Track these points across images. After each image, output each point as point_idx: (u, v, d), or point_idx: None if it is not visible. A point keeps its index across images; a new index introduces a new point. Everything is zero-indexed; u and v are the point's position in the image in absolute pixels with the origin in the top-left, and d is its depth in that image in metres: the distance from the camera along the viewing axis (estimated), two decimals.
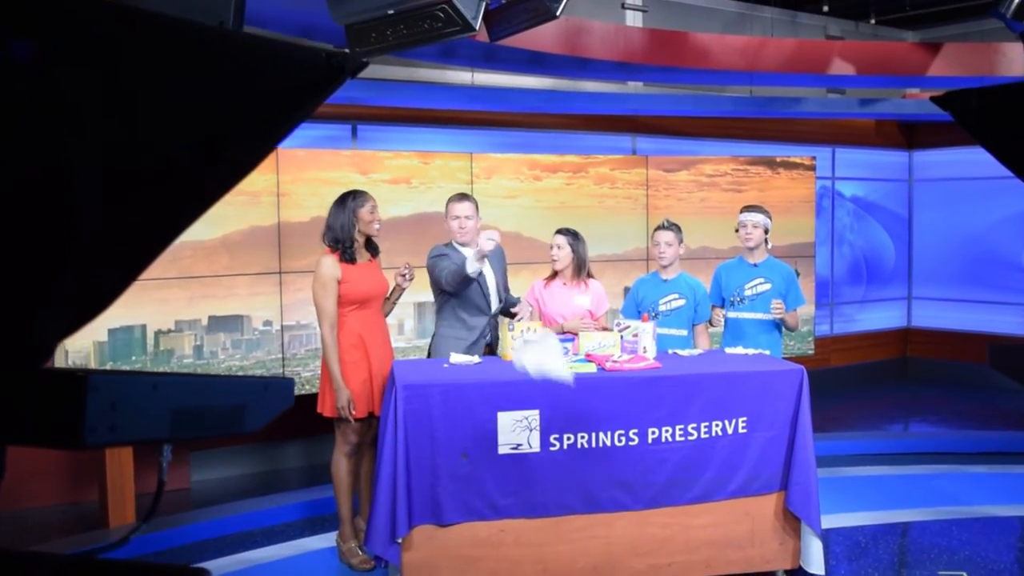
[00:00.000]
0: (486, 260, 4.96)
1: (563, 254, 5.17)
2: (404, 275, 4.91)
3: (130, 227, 0.88)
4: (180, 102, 0.89)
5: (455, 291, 4.90)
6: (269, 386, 1.08)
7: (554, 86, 7.81)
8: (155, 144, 0.88)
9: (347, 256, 4.73)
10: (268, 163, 5.93)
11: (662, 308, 5.29)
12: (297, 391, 5.90)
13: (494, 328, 5.15)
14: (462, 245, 5.02)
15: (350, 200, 4.76)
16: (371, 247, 4.92)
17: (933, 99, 1.59)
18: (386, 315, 5.01)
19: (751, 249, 5.35)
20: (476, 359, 4.78)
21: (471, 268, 4.75)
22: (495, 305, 5.10)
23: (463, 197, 5.12)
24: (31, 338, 0.81)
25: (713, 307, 5.42)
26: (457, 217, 4.99)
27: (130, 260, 0.88)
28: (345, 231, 4.72)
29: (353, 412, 4.70)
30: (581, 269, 5.22)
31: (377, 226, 4.82)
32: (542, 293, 5.25)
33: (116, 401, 0.84)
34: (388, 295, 4.96)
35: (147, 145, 0.88)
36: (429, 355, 5.18)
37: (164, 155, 0.90)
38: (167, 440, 0.93)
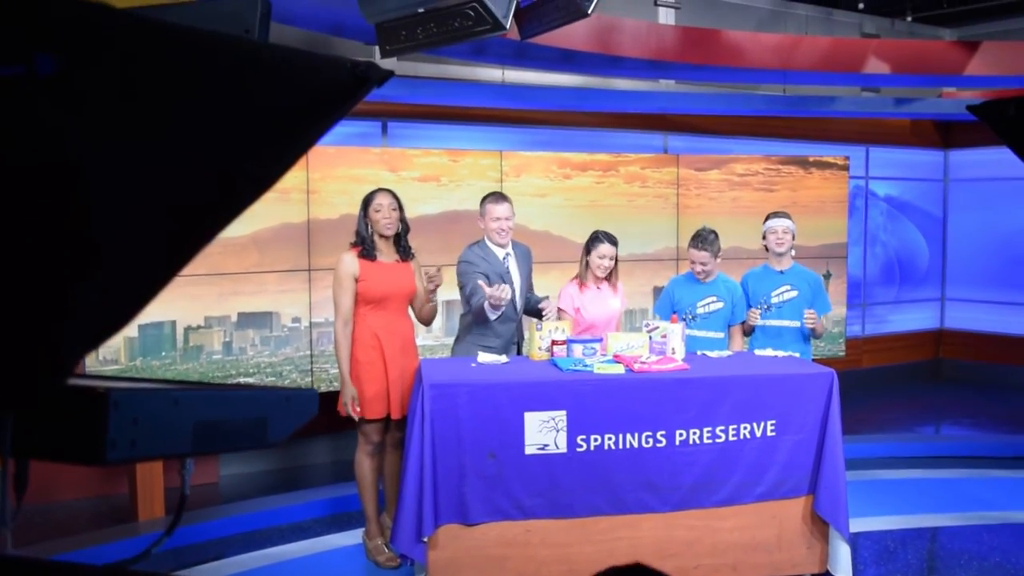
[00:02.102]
0: (512, 258, 4.97)
1: (610, 264, 5.14)
2: (431, 284, 4.80)
3: (153, 240, 0.87)
4: (204, 113, 0.89)
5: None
6: (292, 398, 1.07)
7: (585, 84, 7.78)
8: (179, 156, 0.88)
9: (366, 254, 4.75)
10: (299, 160, 5.95)
11: (700, 311, 5.25)
12: (325, 388, 5.94)
13: (520, 329, 5.15)
14: (499, 246, 5.02)
15: (364, 202, 4.85)
16: (401, 247, 4.89)
17: (969, 108, 1.57)
18: (427, 318, 5.03)
19: (779, 256, 5.29)
20: (504, 359, 4.77)
21: (492, 316, 4.83)
22: (519, 308, 5.09)
23: (501, 198, 5.09)
24: (52, 353, 0.80)
25: (750, 309, 5.35)
26: (498, 219, 4.97)
27: (153, 273, 0.88)
28: (363, 230, 4.79)
29: (357, 410, 4.71)
30: (613, 273, 5.21)
31: (388, 224, 4.78)
32: (579, 297, 5.21)
33: (137, 417, 0.84)
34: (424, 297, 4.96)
35: (171, 157, 0.88)
36: (454, 354, 5.18)
37: (188, 167, 0.89)
38: (189, 454, 0.93)
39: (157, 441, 0.87)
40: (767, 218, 5.38)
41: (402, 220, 4.87)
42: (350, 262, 4.75)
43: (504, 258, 5.02)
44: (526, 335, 5.02)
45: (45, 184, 0.79)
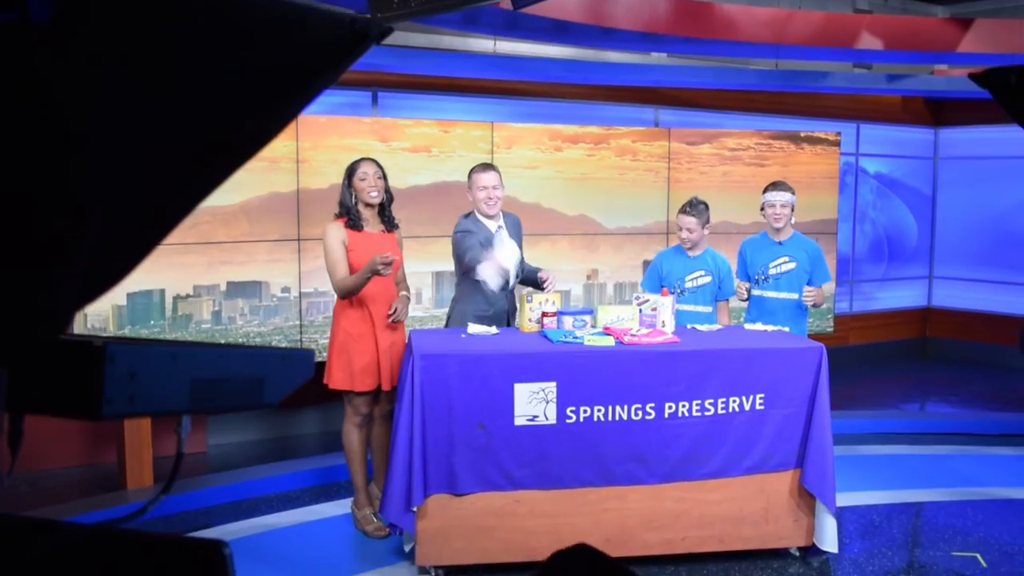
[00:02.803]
0: (503, 231, 4.95)
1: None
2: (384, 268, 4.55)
3: (148, 195, 0.86)
4: (201, 68, 0.87)
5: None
6: (288, 357, 1.06)
7: (577, 56, 7.74)
8: (174, 111, 0.87)
9: (352, 224, 4.76)
10: (288, 129, 5.89)
11: (688, 285, 5.25)
12: (316, 358, 5.92)
13: (511, 300, 5.14)
14: (487, 217, 4.97)
15: (347, 171, 4.83)
16: (386, 218, 4.88)
17: (971, 76, 1.56)
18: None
19: (777, 228, 5.28)
20: (494, 330, 4.76)
21: (494, 285, 4.79)
22: (512, 279, 5.07)
23: (488, 167, 5.04)
24: (48, 307, 0.79)
25: (739, 281, 5.36)
26: (484, 188, 4.92)
27: (148, 229, 0.87)
28: (347, 200, 4.80)
29: (388, 261, 4.52)
30: None
31: (374, 194, 4.78)
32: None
33: (135, 371, 0.83)
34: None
35: (167, 112, 0.86)
36: (447, 325, 5.18)
37: (184, 122, 0.88)
38: (186, 411, 0.92)
39: (154, 397, 0.86)
40: (766, 189, 5.33)
41: (386, 190, 4.86)
42: (337, 230, 4.76)
43: (496, 231, 4.94)
44: (518, 307, 5.00)
45: (38, 135, 0.77)
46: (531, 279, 5.12)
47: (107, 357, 0.80)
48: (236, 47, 0.89)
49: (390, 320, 4.77)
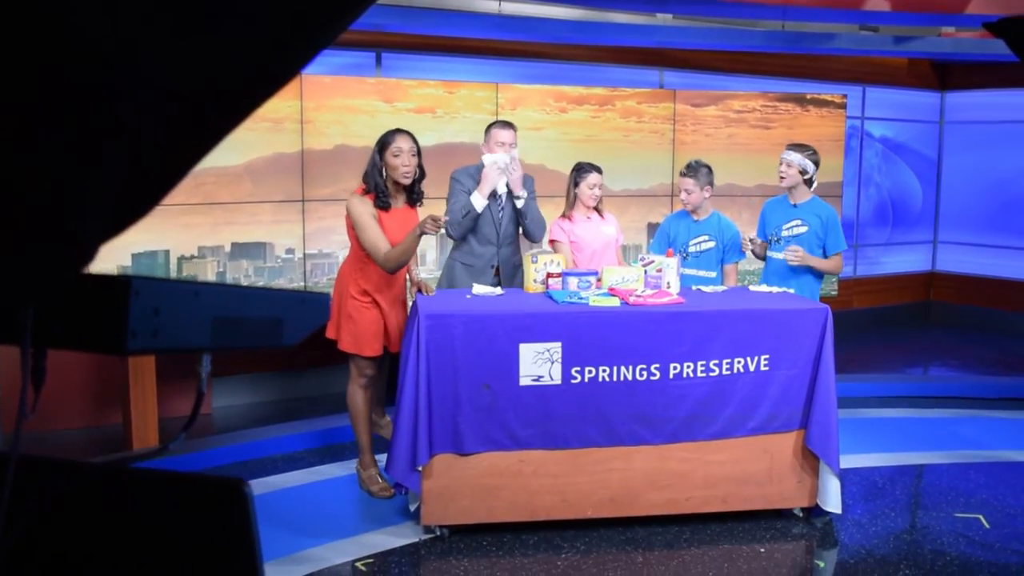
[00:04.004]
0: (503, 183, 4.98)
1: (600, 193, 5.19)
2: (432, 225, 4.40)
3: (176, 127, 0.85)
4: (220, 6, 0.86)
5: (460, 235, 4.94)
6: (306, 300, 1.06)
7: (583, 16, 7.68)
8: (198, 44, 0.85)
9: (381, 203, 4.55)
10: (292, 89, 5.88)
11: (692, 249, 5.25)
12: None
13: (508, 261, 5.14)
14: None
15: (378, 144, 4.59)
16: (412, 193, 4.70)
17: (985, 25, 1.54)
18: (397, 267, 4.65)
19: (789, 189, 5.26)
20: (499, 290, 4.77)
21: (479, 204, 4.83)
22: (501, 234, 5.06)
23: (507, 124, 5.09)
24: (72, 239, 0.79)
25: (754, 240, 5.31)
26: (502, 144, 4.95)
27: (173, 161, 0.86)
28: (375, 177, 4.55)
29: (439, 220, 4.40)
30: (600, 202, 5.27)
31: (407, 173, 4.54)
32: (571, 228, 5.22)
33: (159, 307, 0.83)
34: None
35: (190, 44, 0.85)
36: (441, 279, 5.23)
37: (209, 55, 0.87)
38: (207, 349, 0.92)
39: (177, 333, 0.85)
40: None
41: (419, 166, 4.63)
42: (367, 204, 4.51)
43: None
44: (524, 267, 5.00)
45: (67, 54, 0.76)
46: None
47: (132, 291, 0.80)
48: None
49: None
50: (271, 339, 1.00)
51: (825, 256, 5.20)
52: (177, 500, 0.92)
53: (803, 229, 5.20)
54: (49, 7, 0.69)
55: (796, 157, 5.19)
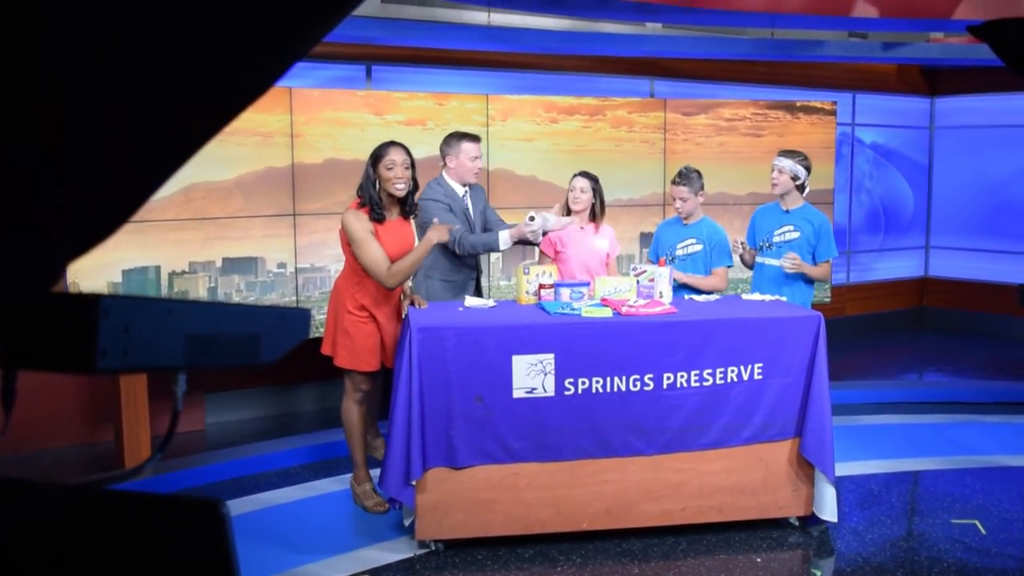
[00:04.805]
0: (468, 196, 5.12)
1: (585, 198, 5.17)
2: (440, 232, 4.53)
3: (141, 145, 0.84)
4: (186, 20, 0.84)
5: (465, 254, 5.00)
6: (286, 316, 1.04)
7: (572, 27, 7.68)
8: (173, 52, 0.84)
9: (375, 215, 4.53)
10: (282, 103, 5.87)
11: (679, 252, 5.26)
12: (314, 334, 5.91)
13: (478, 265, 5.29)
14: (465, 185, 5.10)
15: (372, 157, 4.57)
16: (407, 206, 4.67)
17: (970, 29, 1.54)
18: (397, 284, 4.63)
19: (781, 196, 5.27)
20: (491, 302, 4.76)
21: (503, 244, 4.94)
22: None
23: (477, 138, 5.15)
24: (39, 259, 0.77)
25: (744, 245, 5.34)
26: (475, 158, 5.05)
27: (140, 181, 0.85)
28: (368, 190, 4.53)
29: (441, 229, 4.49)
30: (600, 214, 5.23)
31: (400, 186, 4.51)
32: (559, 236, 5.23)
33: (129, 325, 0.81)
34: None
35: (164, 54, 0.84)
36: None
37: (182, 63, 0.85)
38: (181, 368, 0.90)
39: (149, 352, 0.84)
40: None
41: (413, 178, 4.61)
42: (363, 220, 4.49)
43: (464, 196, 5.10)
44: (516, 279, 5.02)
45: (39, 74, 0.75)
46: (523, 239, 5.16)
47: (101, 310, 0.79)
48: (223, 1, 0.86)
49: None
50: (249, 356, 0.99)
51: (814, 262, 5.21)
52: (153, 522, 0.90)
53: (795, 235, 5.21)
54: (15, 31, 0.67)
55: (788, 163, 5.20)
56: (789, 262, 5.09)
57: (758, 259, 5.34)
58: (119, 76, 0.79)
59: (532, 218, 4.88)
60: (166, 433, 0.95)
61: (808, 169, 5.23)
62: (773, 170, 5.25)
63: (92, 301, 0.78)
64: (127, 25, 0.75)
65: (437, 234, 4.45)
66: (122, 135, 0.79)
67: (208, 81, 0.85)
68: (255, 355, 1.00)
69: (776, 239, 5.23)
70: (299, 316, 1.07)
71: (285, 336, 1.04)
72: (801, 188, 5.23)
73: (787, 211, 5.26)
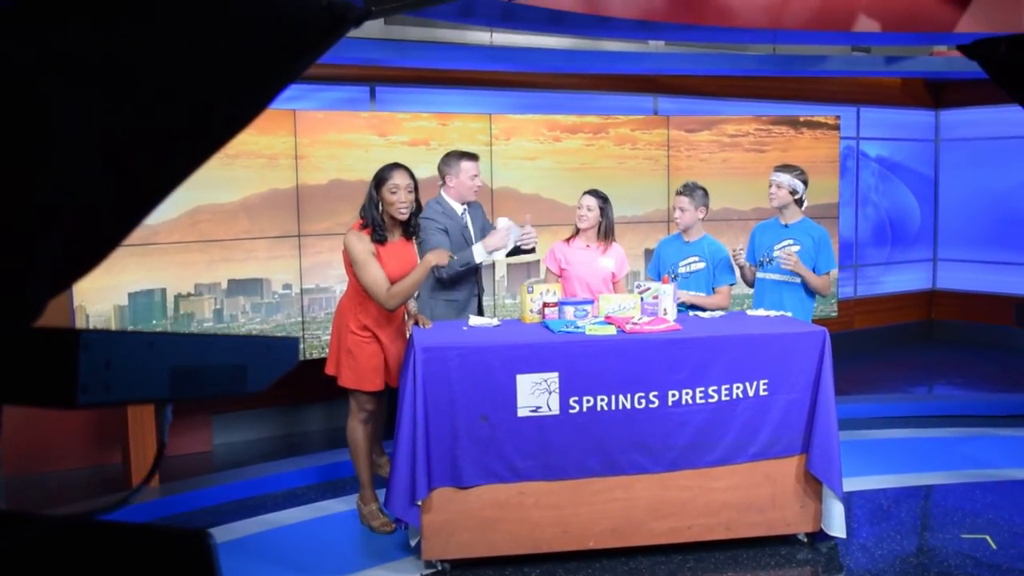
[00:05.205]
0: (467, 214, 5.16)
1: (592, 216, 5.16)
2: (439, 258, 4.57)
3: (120, 182, 0.84)
4: (172, 52, 0.86)
5: (451, 279, 5.02)
6: (272, 346, 1.05)
7: (574, 46, 7.71)
8: (146, 96, 0.85)
9: (377, 237, 4.54)
10: (286, 125, 5.90)
11: (682, 270, 5.25)
12: (317, 354, 5.93)
13: (480, 282, 5.31)
14: (465, 203, 5.14)
15: (375, 179, 4.58)
16: (409, 227, 4.68)
17: (959, 47, 1.54)
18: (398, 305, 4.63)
19: (780, 210, 5.26)
20: (495, 321, 4.76)
21: (479, 257, 4.90)
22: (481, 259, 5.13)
23: (476, 156, 5.20)
24: (19, 295, 0.78)
25: (745, 261, 5.33)
26: (475, 176, 5.09)
27: (120, 217, 0.85)
28: (371, 212, 4.54)
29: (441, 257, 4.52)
30: (608, 233, 5.21)
31: (404, 210, 4.53)
32: (565, 254, 5.24)
33: (110, 359, 0.82)
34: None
35: (138, 97, 0.85)
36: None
37: (156, 107, 0.86)
38: (166, 400, 0.91)
39: (132, 385, 0.84)
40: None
41: (416, 200, 4.63)
42: (365, 241, 4.50)
43: (463, 214, 5.15)
44: (519, 297, 5.03)
45: (10, 121, 0.76)
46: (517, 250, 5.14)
47: (81, 345, 0.79)
48: (210, 32, 0.88)
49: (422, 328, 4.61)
50: (235, 386, 0.99)
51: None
52: (139, 553, 0.91)
53: (796, 248, 5.19)
54: None
55: (785, 178, 5.19)
56: (785, 257, 5.08)
57: (759, 275, 5.33)
58: (93, 118, 0.80)
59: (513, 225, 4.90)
60: (152, 465, 0.96)
61: (805, 183, 5.23)
62: (771, 185, 5.24)
63: (72, 336, 0.79)
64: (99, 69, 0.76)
65: (436, 257, 4.46)
66: (97, 177, 0.80)
67: (181, 125, 0.86)
68: (242, 385, 1.00)
69: (776, 253, 5.22)
70: (286, 346, 1.07)
71: (272, 366, 1.05)
72: (800, 202, 5.23)
73: (786, 225, 5.26)
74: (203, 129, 0.92)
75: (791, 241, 5.21)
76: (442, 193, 5.13)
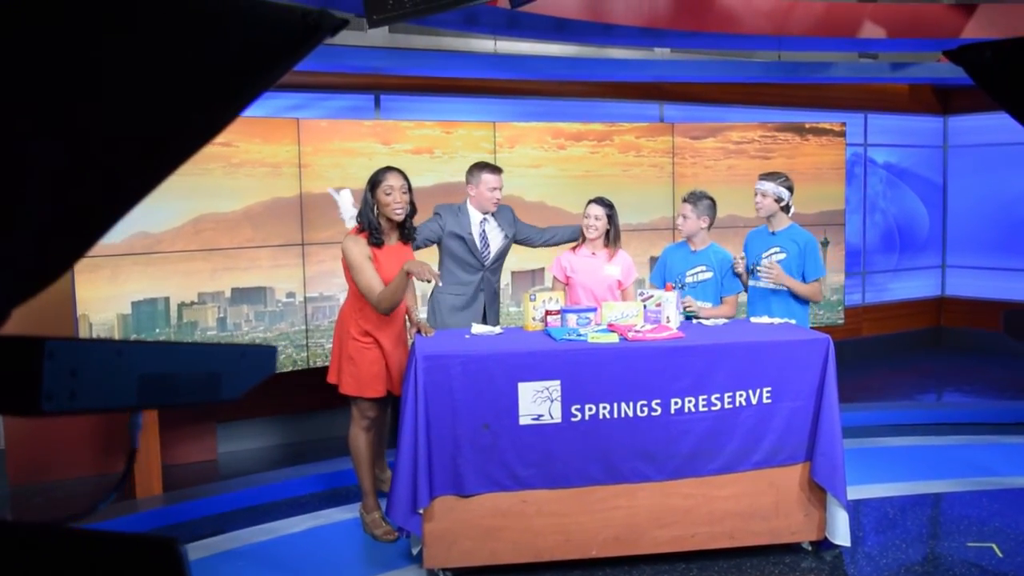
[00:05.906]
0: (488, 223, 5.29)
1: (600, 225, 5.18)
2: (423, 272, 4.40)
3: (88, 191, 0.84)
4: (144, 61, 0.86)
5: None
6: (247, 353, 1.04)
7: (578, 53, 7.72)
8: (117, 105, 0.85)
9: (373, 240, 4.56)
10: (290, 134, 5.91)
11: (689, 280, 5.23)
12: (321, 363, 5.93)
13: (490, 283, 5.34)
14: (485, 213, 5.26)
15: (370, 182, 4.60)
16: (405, 230, 4.71)
17: (945, 53, 1.53)
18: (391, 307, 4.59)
19: (767, 218, 5.24)
20: (498, 329, 4.76)
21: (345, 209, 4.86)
22: (489, 262, 5.31)
23: (497, 168, 5.30)
24: None
25: (743, 260, 5.32)
26: (494, 188, 5.20)
27: (88, 226, 0.85)
28: (367, 215, 4.57)
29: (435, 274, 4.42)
30: (614, 241, 5.23)
31: (399, 210, 4.55)
32: (571, 262, 5.25)
33: (76, 368, 0.82)
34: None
35: (108, 106, 0.85)
36: (428, 315, 5.38)
37: (126, 116, 0.86)
38: (135, 407, 0.91)
39: (99, 393, 0.84)
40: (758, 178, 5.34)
41: (410, 202, 4.65)
42: (361, 245, 4.53)
43: (480, 223, 5.26)
44: (522, 306, 5.04)
45: None
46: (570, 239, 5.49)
47: (46, 354, 0.79)
48: (184, 41, 0.88)
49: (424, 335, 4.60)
50: (208, 394, 0.99)
51: (804, 283, 5.16)
52: (108, 561, 0.90)
53: (782, 256, 5.17)
54: None
55: (769, 186, 5.17)
56: (767, 272, 5.06)
57: (750, 283, 5.30)
58: (62, 126, 0.80)
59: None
60: (123, 471, 0.95)
61: (791, 189, 5.20)
62: (756, 194, 5.22)
63: (37, 344, 0.79)
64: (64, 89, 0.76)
65: (418, 269, 4.35)
66: (65, 186, 0.80)
67: (152, 134, 0.86)
68: (215, 393, 1.00)
69: (764, 261, 5.19)
70: (261, 353, 1.07)
71: (247, 373, 1.04)
72: (786, 209, 5.20)
73: (773, 233, 5.23)
74: (174, 138, 0.92)
75: (777, 249, 5.18)
76: (466, 201, 5.29)
